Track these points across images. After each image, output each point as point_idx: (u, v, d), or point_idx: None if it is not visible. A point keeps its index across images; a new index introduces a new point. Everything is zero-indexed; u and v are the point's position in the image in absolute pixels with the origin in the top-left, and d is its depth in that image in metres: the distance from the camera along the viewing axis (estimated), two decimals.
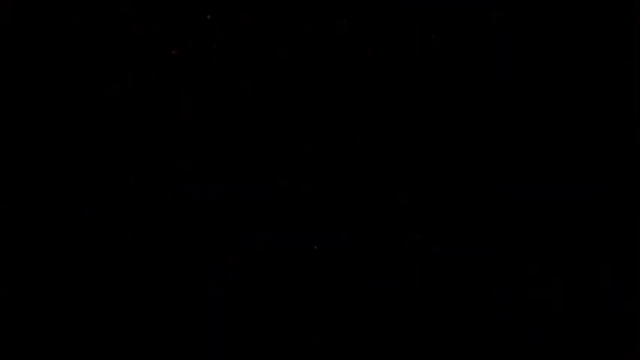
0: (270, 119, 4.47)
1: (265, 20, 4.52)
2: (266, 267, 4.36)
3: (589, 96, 4.43)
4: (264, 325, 4.31)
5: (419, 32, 4.50)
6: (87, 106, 4.46)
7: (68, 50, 4.47)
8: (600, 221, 4.33)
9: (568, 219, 4.34)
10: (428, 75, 4.48)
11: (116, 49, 4.48)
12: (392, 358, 4.27)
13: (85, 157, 4.42)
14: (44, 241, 4.34)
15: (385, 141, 4.45)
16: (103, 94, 4.46)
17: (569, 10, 4.47)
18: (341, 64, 4.49)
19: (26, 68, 4.46)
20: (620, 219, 4.33)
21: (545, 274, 4.30)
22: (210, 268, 4.35)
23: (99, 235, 4.35)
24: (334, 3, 4.51)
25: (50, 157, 4.41)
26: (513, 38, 4.47)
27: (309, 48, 4.51)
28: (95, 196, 4.39)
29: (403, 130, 4.46)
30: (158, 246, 4.36)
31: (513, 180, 4.40)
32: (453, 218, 4.37)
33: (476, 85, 4.46)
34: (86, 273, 4.32)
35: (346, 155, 4.45)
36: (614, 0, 4.43)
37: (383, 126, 4.46)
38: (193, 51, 4.50)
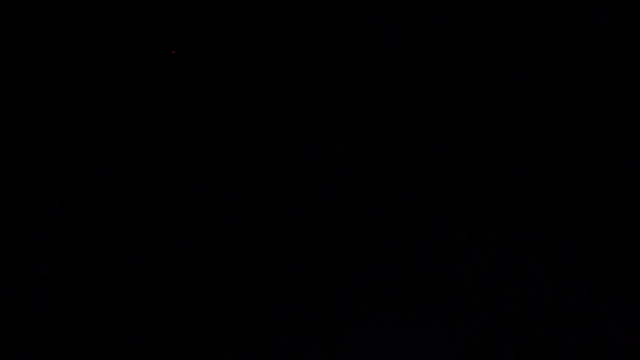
0: (268, 119, 4.49)
1: (265, 20, 4.54)
2: (264, 265, 4.37)
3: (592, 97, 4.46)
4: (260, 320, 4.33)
5: (419, 32, 4.52)
6: (87, 105, 4.47)
7: (68, 50, 4.48)
8: (601, 221, 4.35)
9: (569, 219, 4.36)
10: (428, 75, 4.50)
11: (116, 49, 4.50)
12: None
13: (85, 156, 4.43)
14: (45, 241, 4.34)
15: (386, 141, 4.47)
16: (102, 94, 4.48)
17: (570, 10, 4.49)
18: (341, 63, 4.51)
19: (26, 68, 4.47)
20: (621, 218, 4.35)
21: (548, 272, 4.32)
22: (210, 267, 4.36)
23: (99, 235, 4.36)
24: (334, 3, 4.54)
25: (50, 157, 4.42)
26: (513, 38, 4.49)
27: (309, 48, 4.52)
28: (95, 195, 4.40)
29: (404, 130, 4.47)
30: (158, 246, 4.37)
31: (513, 180, 4.41)
32: (454, 216, 4.39)
33: (479, 86, 4.48)
34: (86, 273, 4.33)
35: (346, 156, 4.47)
36: None
37: (384, 126, 4.48)
38: (193, 51, 4.52)
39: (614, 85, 4.47)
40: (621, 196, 4.38)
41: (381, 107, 4.53)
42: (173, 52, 4.51)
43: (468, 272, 4.35)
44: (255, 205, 4.45)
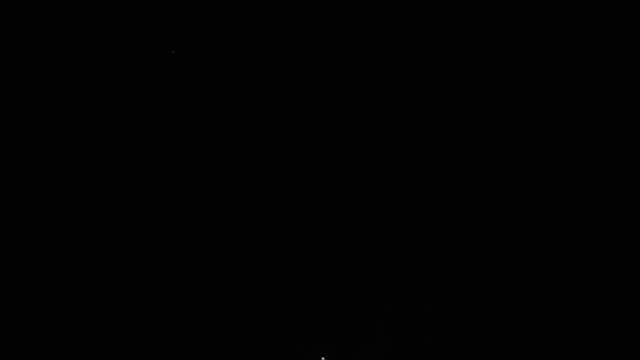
0: (270, 119, 4.49)
1: (265, 20, 4.54)
2: (264, 266, 4.37)
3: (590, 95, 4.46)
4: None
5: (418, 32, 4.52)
6: (87, 105, 4.47)
7: (68, 50, 4.48)
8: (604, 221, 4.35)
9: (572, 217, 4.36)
10: (428, 75, 4.50)
11: (116, 49, 4.49)
12: None
13: (85, 156, 4.43)
14: (44, 241, 4.34)
15: (386, 141, 4.47)
16: (102, 93, 4.47)
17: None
18: (340, 62, 4.51)
19: (26, 68, 4.46)
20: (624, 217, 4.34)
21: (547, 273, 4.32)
22: (209, 265, 4.36)
23: (100, 235, 4.36)
24: (333, 4, 4.53)
25: (50, 157, 4.42)
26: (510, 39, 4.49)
27: (308, 48, 4.52)
28: (95, 195, 4.40)
29: (404, 130, 4.47)
30: (157, 246, 4.37)
31: (513, 181, 4.41)
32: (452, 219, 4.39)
33: (471, 86, 4.48)
34: (86, 272, 4.33)
35: (347, 157, 4.47)
36: None
37: (383, 127, 4.48)
38: (193, 51, 4.51)
39: (614, 86, 4.47)
40: (621, 196, 4.38)
41: (381, 107, 4.53)
42: (173, 52, 4.51)
43: (467, 272, 4.35)
44: (255, 204, 4.45)
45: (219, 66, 4.52)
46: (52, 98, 4.46)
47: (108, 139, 4.45)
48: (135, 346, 4.25)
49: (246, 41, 4.54)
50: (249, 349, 4.29)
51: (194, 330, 4.28)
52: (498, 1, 4.49)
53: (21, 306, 4.26)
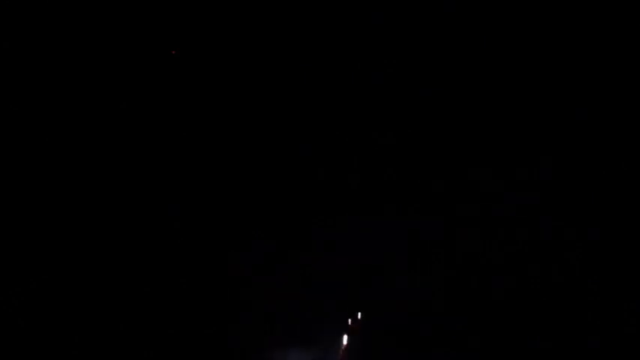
0: (270, 119, 4.49)
1: (265, 20, 4.54)
2: (267, 269, 4.37)
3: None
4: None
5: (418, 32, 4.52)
6: (87, 106, 4.47)
7: (68, 50, 4.48)
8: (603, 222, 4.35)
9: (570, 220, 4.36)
10: (428, 75, 4.50)
11: (116, 49, 4.49)
12: None
13: (85, 156, 4.43)
14: (44, 241, 4.33)
15: (386, 141, 4.47)
16: (103, 94, 4.47)
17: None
18: (340, 62, 4.51)
19: (26, 68, 4.46)
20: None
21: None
22: (209, 265, 4.36)
23: (99, 235, 4.36)
24: (333, 4, 4.54)
25: (49, 157, 4.41)
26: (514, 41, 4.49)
27: (308, 48, 4.52)
28: (95, 195, 4.40)
29: (404, 130, 4.48)
30: (158, 246, 4.37)
31: (513, 180, 4.42)
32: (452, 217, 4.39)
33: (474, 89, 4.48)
34: (86, 272, 4.33)
35: (347, 157, 4.47)
36: None
37: (383, 127, 4.48)
38: (193, 51, 4.51)
39: (614, 86, 4.47)
40: (621, 196, 4.38)
41: (381, 107, 4.53)
42: (173, 52, 4.51)
43: (467, 272, 4.36)
44: (255, 203, 4.45)
45: (219, 66, 4.52)
46: (51, 98, 4.45)
47: (108, 139, 4.45)
48: (135, 346, 4.25)
49: (246, 41, 4.54)
50: (250, 349, 4.29)
51: (194, 330, 4.28)
52: (498, 1, 4.49)
53: (21, 306, 4.26)
